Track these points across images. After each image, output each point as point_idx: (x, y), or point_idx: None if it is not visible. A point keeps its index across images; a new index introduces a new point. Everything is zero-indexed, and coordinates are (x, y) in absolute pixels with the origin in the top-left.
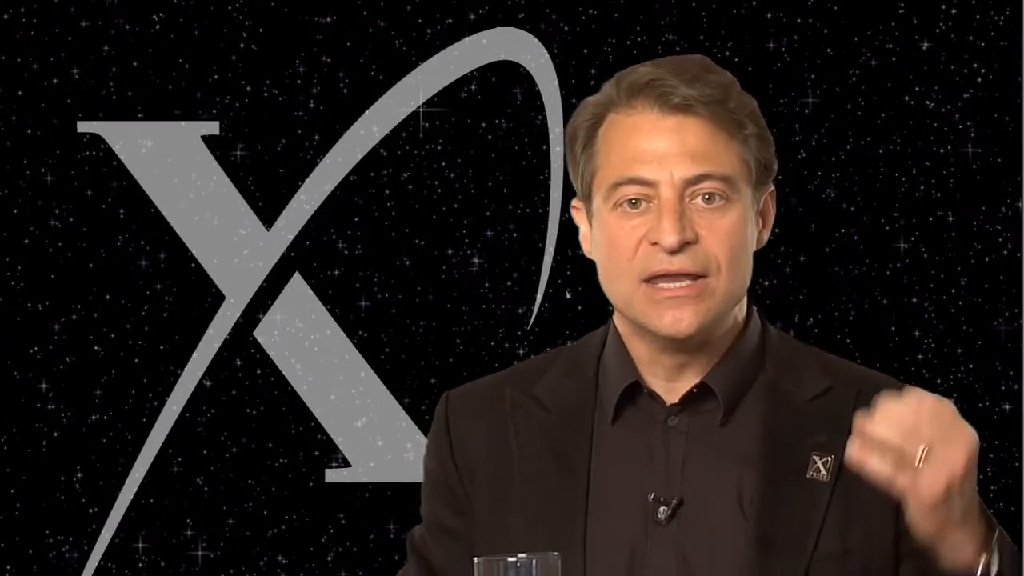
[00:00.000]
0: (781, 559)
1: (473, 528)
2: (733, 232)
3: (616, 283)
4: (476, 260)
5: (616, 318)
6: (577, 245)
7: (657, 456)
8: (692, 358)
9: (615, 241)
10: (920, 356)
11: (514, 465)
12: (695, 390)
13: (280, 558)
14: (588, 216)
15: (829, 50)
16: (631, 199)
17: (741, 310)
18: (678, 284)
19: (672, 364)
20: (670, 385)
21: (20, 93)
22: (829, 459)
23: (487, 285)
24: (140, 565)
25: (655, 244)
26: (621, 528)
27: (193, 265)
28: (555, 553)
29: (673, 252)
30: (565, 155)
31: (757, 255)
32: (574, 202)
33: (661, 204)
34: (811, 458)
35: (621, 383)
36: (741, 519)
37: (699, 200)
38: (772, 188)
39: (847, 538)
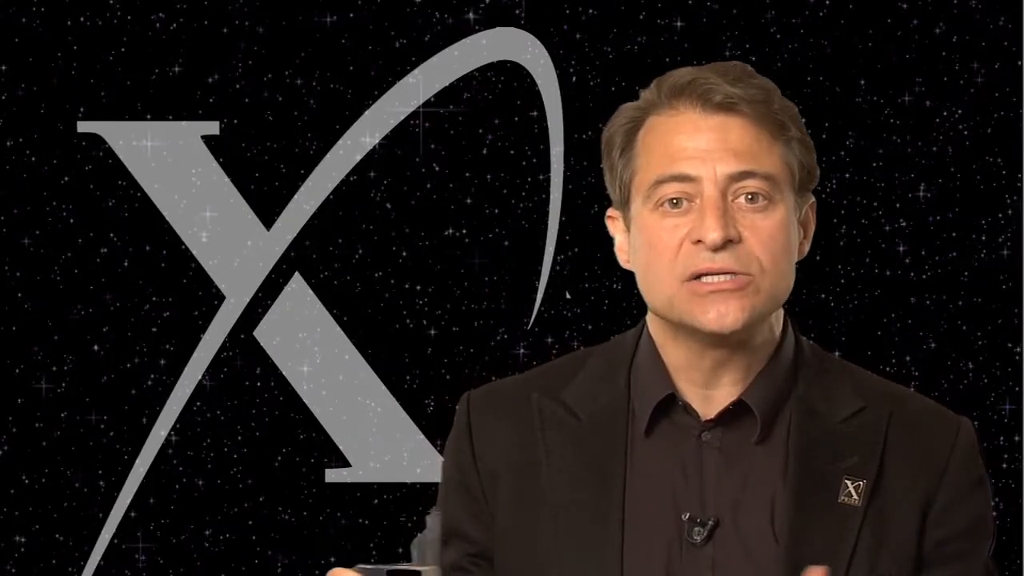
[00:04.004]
0: None
1: (490, 535)
2: (776, 234)
3: (657, 286)
4: (476, 260)
5: (651, 323)
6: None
7: (691, 472)
8: (729, 361)
9: (656, 242)
10: (920, 356)
11: (542, 472)
12: (732, 407)
13: (280, 558)
14: (626, 223)
15: (829, 50)
16: (672, 199)
17: (777, 322)
18: (722, 278)
19: (709, 368)
20: (705, 393)
21: (20, 93)
22: (861, 484)
23: (487, 285)
24: (140, 565)
25: (698, 243)
26: (656, 545)
27: (193, 265)
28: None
29: (716, 250)
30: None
31: None
32: (610, 211)
33: (704, 201)
34: (843, 482)
35: (656, 395)
36: (773, 541)
37: (742, 200)
38: (813, 200)
39: (877, 564)
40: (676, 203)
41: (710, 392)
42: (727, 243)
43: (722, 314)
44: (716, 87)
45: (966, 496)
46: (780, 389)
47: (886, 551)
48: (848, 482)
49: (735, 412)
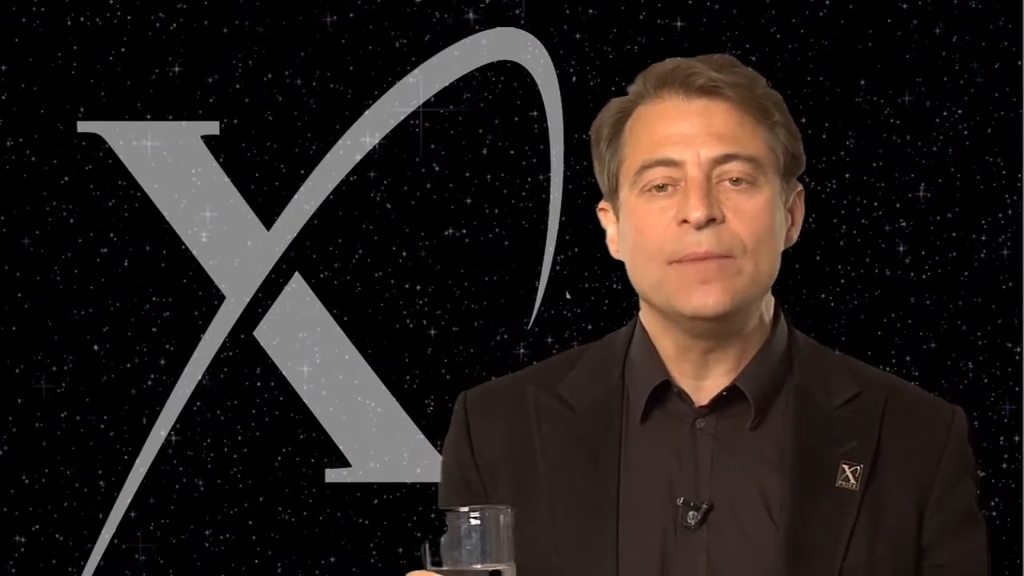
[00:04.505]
0: (811, 567)
1: None
2: (760, 215)
3: (644, 268)
4: (476, 260)
5: (643, 315)
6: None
7: (685, 458)
8: (720, 349)
9: (643, 225)
10: (920, 356)
11: (539, 464)
12: (725, 393)
13: (280, 558)
14: (615, 213)
15: (829, 50)
16: (658, 184)
17: (768, 312)
18: (705, 262)
19: (700, 358)
20: (698, 384)
21: (20, 93)
22: (858, 468)
23: (487, 285)
24: (140, 565)
25: (683, 223)
26: (651, 531)
27: (193, 265)
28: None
29: (700, 228)
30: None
31: None
32: (600, 204)
33: (688, 183)
34: (840, 466)
35: (650, 382)
36: (771, 525)
37: (726, 182)
38: (801, 188)
39: (875, 548)
40: (662, 187)
41: (702, 382)
42: (711, 222)
43: (705, 295)
44: (699, 72)
45: (961, 482)
46: (773, 376)
47: (883, 535)
48: (845, 466)
49: (729, 398)
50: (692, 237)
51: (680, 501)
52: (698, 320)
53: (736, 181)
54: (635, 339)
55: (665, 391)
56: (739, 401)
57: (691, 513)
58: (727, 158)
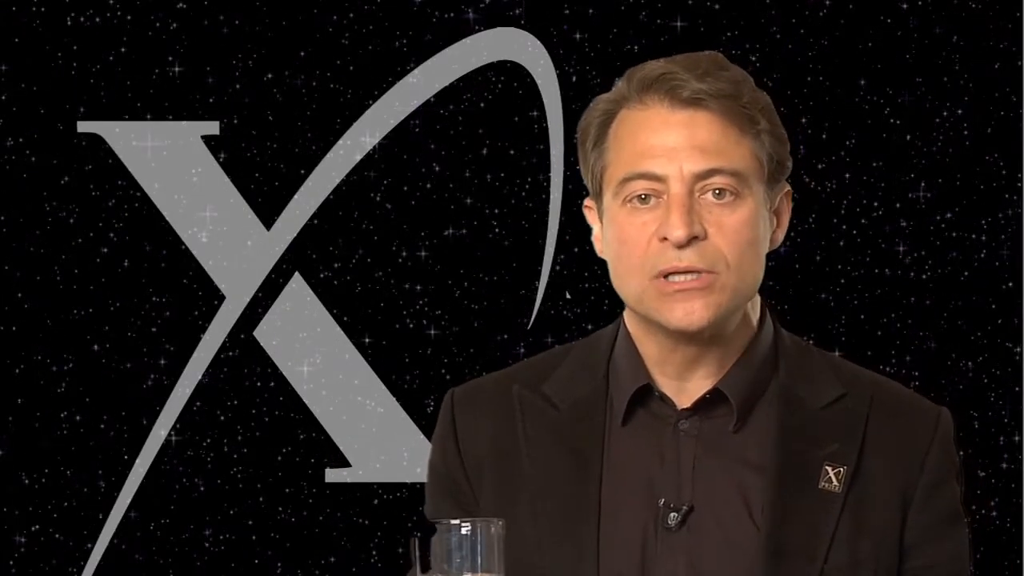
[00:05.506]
0: (792, 569)
1: None
2: (742, 229)
3: (627, 280)
4: (476, 260)
5: (626, 316)
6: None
7: (667, 460)
8: (703, 354)
9: (625, 238)
10: (920, 356)
11: (523, 462)
12: (708, 395)
13: (280, 558)
14: (599, 214)
15: (829, 50)
16: (640, 194)
17: (754, 312)
18: (687, 277)
19: (683, 361)
20: (681, 385)
21: (20, 93)
22: (841, 470)
23: (487, 285)
24: (140, 565)
25: (664, 240)
26: (632, 532)
27: (193, 265)
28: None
29: (681, 247)
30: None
31: None
32: (586, 201)
33: (670, 199)
34: (823, 468)
35: (632, 385)
36: (752, 527)
37: (709, 195)
38: (788, 188)
39: (857, 550)
40: (644, 199)
41: (684, 384)
42: (692, 240)
43: (688, 312)
44: (684, 83)
45: (945, 483)
46: (758, 377)
47: (866, 537)
48: (828, 468)
49: (712, 400)
50: (673, 252)
51: (661, 502)
52: (680, 333)
53: (719, 194)
54: (619, 339)
55: (647, 393)
56: (722, 403)
57: (672, 514)
58: (710, 173)
